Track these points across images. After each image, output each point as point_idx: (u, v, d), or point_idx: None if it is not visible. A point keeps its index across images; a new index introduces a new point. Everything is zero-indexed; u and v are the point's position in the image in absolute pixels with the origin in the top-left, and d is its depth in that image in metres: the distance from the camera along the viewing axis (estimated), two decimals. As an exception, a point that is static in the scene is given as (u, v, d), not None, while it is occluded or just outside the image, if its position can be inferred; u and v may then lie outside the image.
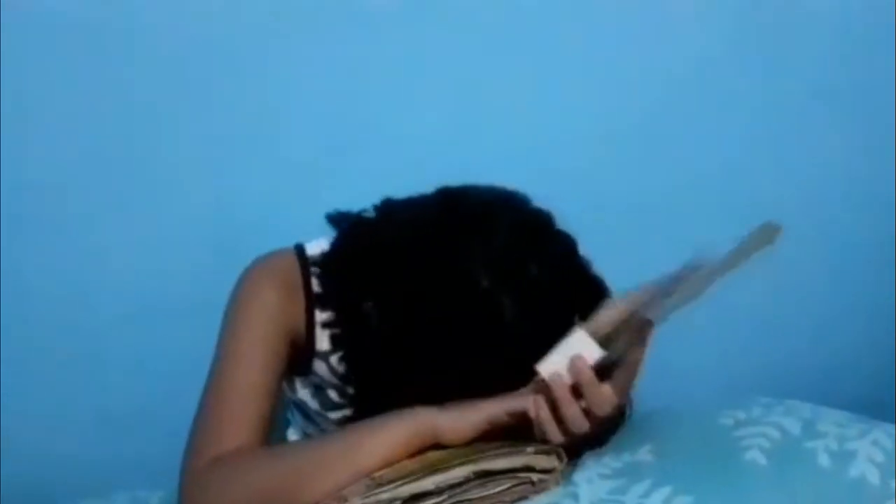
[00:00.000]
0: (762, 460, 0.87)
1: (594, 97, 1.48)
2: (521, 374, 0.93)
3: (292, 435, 1.24)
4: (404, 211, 1.04)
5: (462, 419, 0.95)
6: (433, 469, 0.90)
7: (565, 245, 1.00)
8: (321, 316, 1.07)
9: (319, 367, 1.10)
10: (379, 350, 0.98)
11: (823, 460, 0.86)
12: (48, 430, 1.41)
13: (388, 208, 1.06)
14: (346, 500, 0.90)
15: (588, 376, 0.90)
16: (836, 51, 1.54)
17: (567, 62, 1.46)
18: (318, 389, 1.13)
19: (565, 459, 0.94)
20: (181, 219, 1.39)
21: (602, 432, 0.99)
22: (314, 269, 1.08)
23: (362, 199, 1.09)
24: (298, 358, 1.09)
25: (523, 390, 0.94)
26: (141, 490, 1.19)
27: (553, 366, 0.91)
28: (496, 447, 0.94)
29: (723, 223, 1.53)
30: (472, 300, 0.92)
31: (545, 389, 0.92)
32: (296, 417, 1.21)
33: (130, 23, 1.32)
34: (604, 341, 0.91)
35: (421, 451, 0.96)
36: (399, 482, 0.90)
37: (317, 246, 1.10)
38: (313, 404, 1.14)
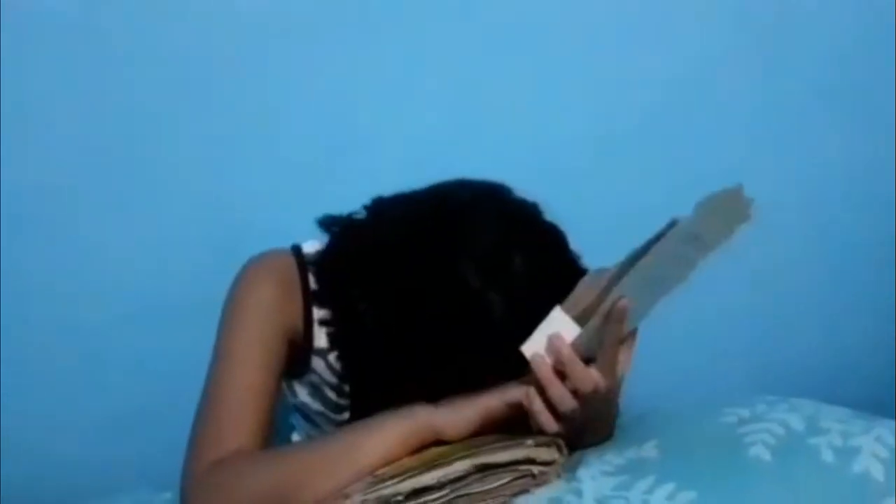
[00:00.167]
0: (766, 456, 0.87)
1: (593, 98, 1.48)
2: (514, 367, 0.92)
3: (297, 439, 1.24)
4: (393, 209, 1.04)
5: (459, 414, 0.95)
6: (433, 464, 0.91)
7: (552, 236, 1.00)
8: (319, 313, 1.07)
9: (317, 364, 1.10)
10: (374, 348, 0.98)
11: (827, 456, 0.87)
12: (48, 431, 1.40)
13: (378, 207, 1.06)
14: (348, 497, 0.90)
15: (566, 353, 0.89)
16: (836, 51, 1.54)
17: (566, 63, 1.46)
18: (317, 389, 1.13)
19: (566, 452, 0.94)
20: (181, 219, 1.38)
21: (598, 422, 0.99)
22: (311, 267, 1.08)
23: (362, 199, 1.09)
24: (296, 355, 1.09)
25: (517, 381, 0.94)
26: (144, 492, 1.18)
27: (534, 346, 0.91)
28: (496, 440, 0.94)
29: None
30: (461, 298, 0.92)
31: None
32: (300, 422, 1.20)
33: (131, 23, 1.32)
34: (581, 318, 0.91)
35: (420, 448, 0.96)
36: (400, 478, 0.90)
37: (312, 246, 1.10)
38: (314, 405, 1.14)
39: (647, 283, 0.88)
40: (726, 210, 0.85)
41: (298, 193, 1.36)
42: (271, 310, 1.06)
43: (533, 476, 0.91)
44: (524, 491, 0.90)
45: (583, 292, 0.92)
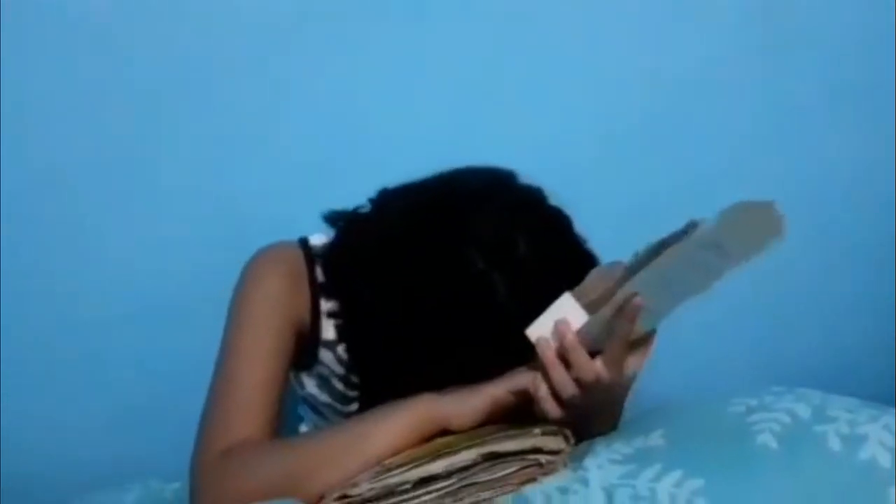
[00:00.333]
0: (773, 444, 0.87)
1: (597, 95, 1.48)
2: (519, 352, 0.93)
3: (304, 430, 1.24)
4: (398, 199, 1.05)
5: (465, 404, 0.96)
6: (440, 453, 0.91)
7: (557, 221, 1.00)
8: (326, 305, 1.08)
9: (325, 356, 1.10)
10: (381, 339, 0.98)
11: (834, 444, 0.87)
12: (51, 430, 1.40)
13: (383, 199, 1.06)
14: (355, 486, 0.90)
15: (570, 340, 0.90)
16: (837, 51, 1.54)
17: (571, 60, 1.46)
18: (324, 381, 1.13)
19: (572, 441, 0.94)
20: (183, 216, 1.38)
21: (602, 412, 0.99)
22: (318, 259, 1.09)
23: (365, 195, 1.10)
24: (304, 347, 1.09)
25: (523, 367, 0.95)
26: (154, 481, 1.18)
27: (540, 330, 0.91)
28: (502, 430, 0.94)
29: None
30: (466, 281, 0.93)
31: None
32: (307, 413, 1.20)
33: (134, 21, 1.32)
34: (591, 308, 0.91)
35: (427, 438, 0.96)
36: (407, 467, 0.90)
37: (319, 239, 1.11)
38: (322, 397, 1.14)
39: (664, 285, 0.88)
40: (755, 224, 0.83)
41: (302, 190, 1.36)
42: (279, 301, 1.06)
43: (540, 465, 0.90)
44: (531, 480, 0.90)
45: (594, 282, 0.92)
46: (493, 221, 0.95)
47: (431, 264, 0.95)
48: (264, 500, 0.92)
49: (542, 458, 0.91)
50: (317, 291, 1.08)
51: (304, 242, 1.11)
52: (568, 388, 0.91)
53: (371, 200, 1.08)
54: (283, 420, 1.07)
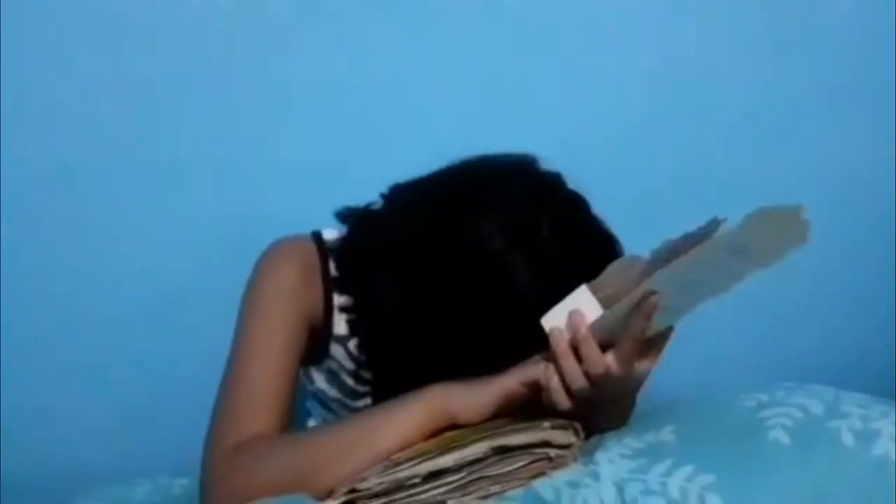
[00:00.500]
0: (785, 439, 0.87)
1: (598, 95, 1.48)
2: (535, 339, 0.92)
3: (313, 425, 1.23)
4: (412, 190, 1.05)
5: (475, 398, 0.95)
6: (450, 447, 0.90)
7: (576, 205, 1.00)
8: (339, 300, 1.07)
9: (336, 350, 1.10)
10: (396, 329, 0.98)
11: (847, 439, 0.86)
12: (60, 427, 1.39)
13: (396, 193, 1.06)
14: (365, 480, 0.90)
15: (583, 332, 0.89)
16: (839, 50, 1.55)
17: (572, 60, 1.46)
18: (334, 376, 1.12)
19: (582, 435, 0.94)
20: (194, 212, 1.38)
21: (612, 406, 0.99)
22: (331, 254, 1.08)
23: (376, 191, 1.10)
24: (316, 341, 1.09)
25: (536, 357, 0.94)
26: (163, 476, 1.18)
27: (554, 320, 0.91)
28: (512, 423, 0.94)
29: (734, 221, 1.55)
30: (486, 263, 0.93)
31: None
32: (316, 408, 1.20)
33: (147, 18, 1.32)
34: (606, 301, 0.91)
35: (436, 432, 0.96)
36: (416, 461, 0.90)
37: (332, 233, 1.10)
38: (331, 392, 1.14)
39: (684, 284, 0.87)
40: (781, 229, 0.81)
41: (308, 188, 1.36)
42: (292, 295, 1.06)
43: (550, 459, 0.90)
44: (541, 474, 0.90)
45: (613, 275, 0.92)
46: (514, 202, 0.95)
47: (450, 247, 0.94)
48: (274, 494, 0.92)
49: (552, 452, 0.90)
50: (330, 286, 1.08)
51: (317, 236, 1.11)
52: (578, 380, 0.91)
53: (383, 196, 1.07)
54: (293, 415, 1.06)
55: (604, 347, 0.91)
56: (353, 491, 0.89)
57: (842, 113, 1.58)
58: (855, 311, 1.64)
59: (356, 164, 1.38)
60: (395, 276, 0.98)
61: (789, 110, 1.57)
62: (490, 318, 0.93)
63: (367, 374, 1.10)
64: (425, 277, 0.96)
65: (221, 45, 1.35)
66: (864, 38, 1.56)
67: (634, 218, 1.29)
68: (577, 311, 0.90)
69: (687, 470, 0.86)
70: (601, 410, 0.97)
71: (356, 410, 1.13)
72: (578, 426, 0.94)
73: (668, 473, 0.86)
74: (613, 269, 0.93)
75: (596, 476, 0.88)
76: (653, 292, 0.88)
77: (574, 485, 0.87)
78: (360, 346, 1.07)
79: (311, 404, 1.21)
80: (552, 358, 0.91)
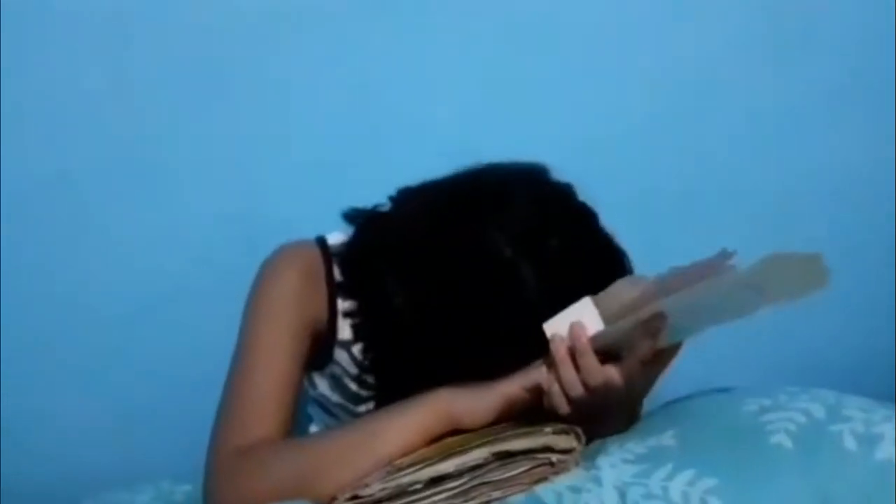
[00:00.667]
0: (788, 444, 0.86)
1: (599, 96, 1.49)
2: (539, 348, 0.93)
3: (314, 430, 1.24)
4: (421, 195, 1.05)
5: (478, 401, 0.95)
6: (452, 452, 0.90)
7: (586, 217, 1.00)
8: (343, 305, 1.07)
9: (340, 356, 1.10)
10: (401, 331, 0.98)
11: (850, 443, 0.86)
12: (62, 431, 1.41)
13: (405, 194, 1.06)
14: (367, 486, 0.90)
15: (582, 343, 0.90)
16: (841, 51, 1.54)
17: (574, 61, 1.47)
18: (337, 381, 1.13)
19: (584, 440, 0.94)
20: (198, 212, 1.39)
21: (611, 413, 0.98)
22: (336, 259, 1.09)
23: (380, 192, 1.10)
24: (319, 347, 1.09)
25: (536, 363, 0.94)
26: (165, 482, 1.18)
27: (555, 327, 0.91)
28: (514, 428, 0.94)
29: (735, 221, 1.54)
30: (493, 270, 0.93)
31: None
32: (318, 413, 1.20)
33: (152, 17, 1.33)
34: (608, 317, 0.91)
35: (439, 437, 0.96)
36: (418, 466, 0.90)
37: (337, 237, 1.11)
38: (334, 397, 1.14)
39: (695, 310, 0.88)
40: (799, 273, 0.81)
41: (316, 186, 1.38)
42: (296, 301, 1.06)
43: (551, 464, 0.90)
44: (543, 479, 0.90)
45: (616, 292, 0.92)
46: (524, 211, 0.96)
47: (458, 253, 0.95)
48: (277, 500, 0.92)
49: (554, 457, 0.90)
50: (334, 291, 1.08)
51: (321, 241, 1.11)
52: (575, 388, 0.91)
53: (391, 198, 1.08)
54: (295, 420, 1.07)
55: (605, 357, 0.91)
56: (355, 497, 0.89)
57: (844, 113, 1.58)
58: (855, 313, 1.63)
59: (359, 165, 1.39)
60: (402, 278, 0.99)
61: (790, 111, 1.57)
62: (495, 324, 0.93)
63: (370, 379, 1.10)
64: (432, 281, 0.97)
65: (222, 46, 1.37)
66: (866, 39, 1.56)
67: (635, 218, 1.30)
68: (578, 322, 0.91)
69: (689, 474, 0.85)
70: (602, 417, 0.97)
71: (358, 415, 1.13)
72: (580, 431, 0.94)
73: (670, 478, 0.85)
74: (618, 286, 0.93)
75: (598, 480, 0.87)
76: (662, 314, 0.88)
77: (576, 489, 0.87)
78: (364, 350, 1.07)
79: (312, 409, 1.21)
80: (552, 364, 0.92)
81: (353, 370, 1.10)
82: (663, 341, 0.91)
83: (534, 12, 1.44)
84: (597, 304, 0.92)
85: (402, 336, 0.99)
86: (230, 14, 1.35)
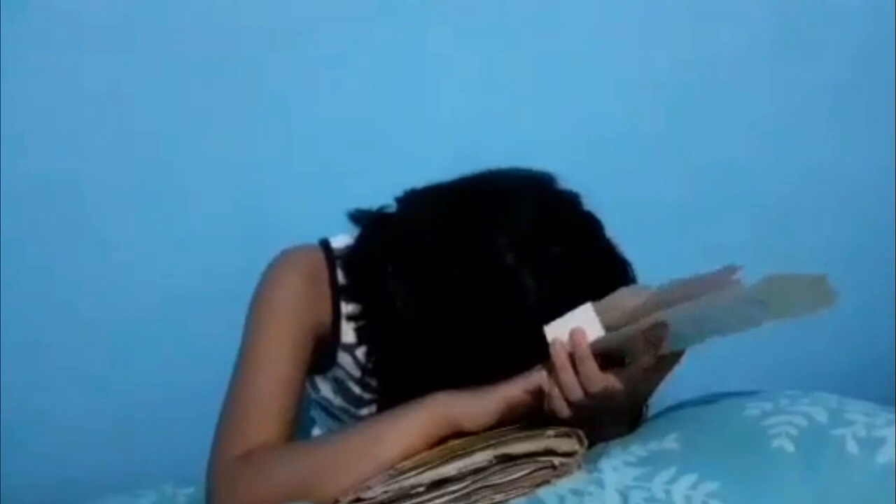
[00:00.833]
0: (790, 447, 0.86)
1: (605, 97, 1.50)
2: (540, 353, 0.93)
3: (317, 433, 1.24)
4: (427, 198, 1.05)
5: (479, 406, 0.96)
6: (454, 455, 0.90)
7: (589, 226, 1.00)
8: (347, 308, 1.08)
9: (344, 359, 1.10)
10: (404, 334, 0.98)
11: (851, 447, 0.86)
12: (64, 434, 1.41)
13: (411, 197, 1.07)
14: (369, 489, 0.90)
15: (582, 349, 0.90)
16: (848, 53, 1.55)
17: (584, 60, 1.48)
18: (340, 384, 1.13)
19: (586, 443, 0.94)
20: (203, 214, 1.40)
21: (615, 418, 0.99)
22: (339, 262, 1.09)
23: (387, 194, 1.10)
24: (323, 350, 1.09)
25: (538, 367, 0.94)
26: (167, 486, 1.18)
27: (556, 331, 0.92)
28: (516, 431, 0.94)
29: (736, 226, 1.55)
30: (496, 277, 0.93)
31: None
32: (320, 416, 1.20)
33: (155, 19, 1.33)
34: (608, 324, 0.91)
35: (442, 440, 0.96)
36: (420, 469, 0.90)
37: (341, 240, 1.11)
38: (336, 401, 1.14)
39: (698, 321, 0.88)
40: (805, 292, 0.82)
41: (320, 190, 1.38)
42: (299, 305, 1.06)
43: (554, 467, 0.90)
44: (545, 482, 0.90)
45: (617, 301, 0.93)
46: (527, 219, 0.96)
47: (461, 258, 0.95)
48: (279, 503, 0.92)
49: (556, 460, 0.90)
50: (337, 294, 1.08)
51: (325, 244, 1.11)
52: (575, 393, 0.91)
53: (398, 200, 1.08)
54: (298, 424, 1.07)
55: (606, 361, 0.91)
56: (357, 500, 0.90)
57: (844, 119, 1.59)
58: (856, 317, 1.62)
59: (362, 170, 1.39)
60: (404, 282, 0.99)
61: (792, 116, 1.58)
62: (496, 329, 0.94)
63: (373, 382, 1.10)
64: (434, 285, 0.97)
65: (224, 49, 1.37)
66: (873, 41, 1.57)
67: (640, 219, 1.30)
68: (579, 328, 0.91)
69: (691, 478, 0.86)
70: (603, 420, 0.97)
71: (360, 418, 1.13)
72: (582, 434, 0.94)
73: (673, 481, 0.86)
74: (620, 294, 0.93)
75: (600, 484, 0.88)
76: (663, 323, 0.88)
77: (578, 492, 0.87)
78: (367, 354, 1.07)
79: (315, 413, 1.21)
80: (552, 368, 0.92)
81: (357, 373, 1.11)
82: (665, 349, 0.91)
83: (536, 16, 1.44)
84: (598, 311, 0.92)
85: (404, 339, 0.99)
86: (233, 17, 1.35)
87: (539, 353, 0.93)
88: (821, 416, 0.90)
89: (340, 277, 1.08)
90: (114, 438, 1.41)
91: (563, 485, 0.89)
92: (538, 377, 0.94)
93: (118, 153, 1.37)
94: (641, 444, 0.93)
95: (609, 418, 0.98)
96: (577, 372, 0.91)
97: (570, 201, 1.01)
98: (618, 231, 1.03)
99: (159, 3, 1.34)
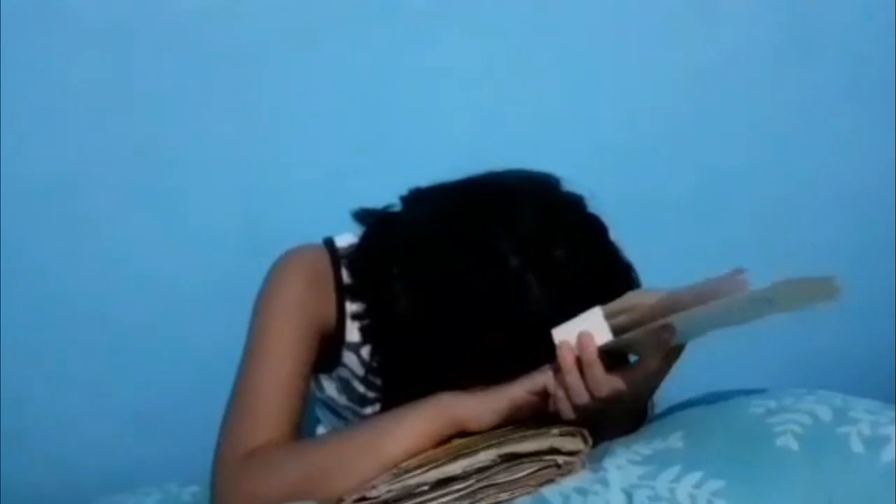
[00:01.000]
0: (794, 445, 0.86)
1: (614, 95, 1.50)
2: (544, 355, 0.93)
3: (321, 432, 1.24)
4: (432, 198, 1.05)
5: (484, 405, 0.96)
6: (458, 454, 0.91)
7: (594, 229, 1.00)
8: (351, 307, 1.08)
9: (349, 358, 1.10)
10: (407, 335, 0.98)
11: (856, 445, 0.85)
12: (68, 433, 1.41)
13: (416, 196, 1.07)
14: (374, 488, 0.90)
15: (590, 354, 0.90)
16: (859, 49, 1.55)
17: (592, 61, 1.48)
18: (345, 383, 1.13)
19: (590, 442, 0.94)
20: (208, 214, 1.39)
21: (619, 417, 0.99)
22: (344, 261, 1.09)
23: (388, 196, 1.10)
24: (328, 349, 1.09)
25: (543, 367, 0.94)
26: (172, 485, 1.18)
27: (563, 335, 0.91)
28: (520, 430, 0.94)
29: (738, 227, 1.55)
30: (500, 279, 0.93)
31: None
32: (325, 415, 1.20)
33: (159, 22, 1.33)
34: (617, 327, 0.91)
35: (446, 439, 0.96)
36: (425, 468, 0.90)
37: (345, 239, 1.11)
38: (341, 400, 1.14)
39: (706, 323, 0.89)
40: (812, 291, 0.83)
41: (323, 191, 1.37)
42: (304, 304, 1.06)
43: (558, 466, 0.90)
44: (549, 481, 0.90)
45: (627, 304, 0.92)
46: (531, 221, 0.96)
47: (464, 259, 0.95)
48: (284, 502, 0.92)
49: (560, 459, 0.90)
50: (342, 293, 1.08)
51: (329, 243, 1.11)
52: (581, 396, 0.91)
53: (402, 199, 1.08)
54: (303, 422, 1.07)
55: (610, 359, 0.91)
56: (362, 499, 0.90)
57: (845, 120, 1.58)
58: (856, 316, 1.63)
59: (366, 171, 1.39)
60: (409, 282, 0.99)
61: (794, 117, 1.57)
62: (499, 331, 0.93)
63: (378, 381, 1.11)
64: (438, 286, 0.97)
65: (226, 51, 1.36)
66: (886, 36, 1.56)
67: (641, 220, 1.30)
68: (587, 332, 0.90)
69: (695, 476, 0.85)
70: (608, 419, 0.97)
71: (365, 417, 1.13)
72: (586, 433, 0.94)
73: (677, 480, 0.86)
74: (629, 298, 0.93)
75: (605, 482, 0.88)
76: (671, 327, 0.88)
77: (583, 491, 0.87)
78: (372, 352, 1.07)
79: (320, 412, 1.21)
80: (558, 370, 0.92)
81: (361, 372, 1.11)
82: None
83: (538, 18, 1.44)
84: (607, 315, 0.92)
85: (408, 339, 0.99)
86: (235, 18, 1.35)
87: (543, 354, 0.92)
88: (825, 415, 0.90)
89: (345, 277, 1.08)
90: (115, 439, 1.41)
91: (568, 483, 0.89)
92: (543, 378, 0.93)
93: (119, 154, 1.36)
94: (646, 442, 0.93)
95: (613, 417, 0.98)
96: (583, 375, 0.91)
97: (575, 204, 1.01)
98: (618, 231, 1.03)
99: (160, 3, 1.34)
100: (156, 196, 1.38)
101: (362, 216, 1.10)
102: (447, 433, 0.96)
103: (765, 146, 1.57)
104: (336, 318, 1.09)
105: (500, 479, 0.89)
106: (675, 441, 0.92)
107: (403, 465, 0.93)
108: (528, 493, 0.89)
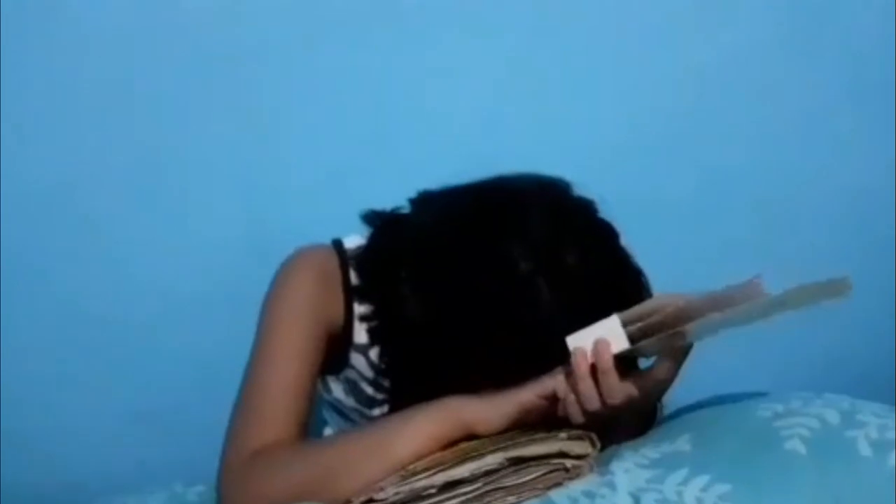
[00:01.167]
0: (802, 449, 0.87)
1: (618, 94, 1.49)
2: (553, 358, 0.93)
3: (328, 433, 1.24)
4: (441, 201, 1.05)
5: (492, 409, 0.95)
6: (466, 457, 0.91)
7: (604, 234, 1.00)
8: (359, 309, 1.08)
9: (357, 360, 1.10)
10: (416, 338, 0.98)
11: (864, 449, 0.86)
12: (74, 433, 1.40)
13: (425, 199, 1.07)
14: (381, 490, 0.90)
15: (605, 362, 0.90)
16: (862, 49, 1.55)
17: (592, 61, 1.47)
18: (352, 385, 1.13)
19: (598, 445, 0.94)
20: (213, 215, 1.39)
21: (628, 422, 0.99)
22: (352, 262, 1.09)
23: (395, 197, 1.10)
24: (335, 351, 1.09)
25: (553, 371, 0.94)
26: (178, 485, 1.18)
27: (579, 341, 0.91)
28: (528, 434, 0.94)
29: (741, 224, 1.55)
30: (511, 284, 0.93)
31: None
32: (332, 417, 1.20)
33: (161, 22, 1.33)
34: (636, 336, 0.91)
35: (453, 442, 0.96)
36: (432, 471, 0.90)
37: (353, 241, 1.11)
38: (348, 401, 1.14)
39: (720, 325, 0.89)
40: (823, 291, 0.83)
41: (328, 193, 1.37)
42: (312, 305, 1.06)
43: (566, 469, 0.90)
44: (557, 484, 0.90)
45: (645, 311, 0.92)
46: (542, 226, 0.96)
47: (474, 263, 0.95)
48: (291, 503, 0.92)
49: (568, 463, 0.90)
50: (350, 294, 1.08)
51: (338, 244, 1.11)
52: (593, 403, 0.91)
53: (411, 201, 1.08)
54: (310, 423, 1.07)
55: (618, 364, 0.91)
56: (370, 500, 0.90)
57: (845, 121, 1.58)
58: (856, 315, 1.63)
59: (371, 172, 1.39)
60: (417, 285, 0.99)
61: (794, 118, 1.57)
62: (508, 335, 0.93)
63: (385, 383, 1.11)
64: (447, 289, 0.97)
65: (228, 52, 1.36)
66: (868, 47, 1.56)
67: (641, 220, 1.30)
68: (603, 340, 0.90)
69: (703, 480, 0.85)
70: (616, 423, 0.97)
71: (373, 419, 1.13)
72: (594, 436, 0.94)
73: (685, 483, 0.86)
74: (647, 304, 0.93)
75: (612, 486, 0.88)
76: (682, 334, 0.88)
77: (590, 495, 0.87)
78: (380, 354, 1.07)
79: (327, 413, 1.21)
80: (570, 375, 0.92)
81: (369, 374, 1.11)
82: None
83: (540, 20, 1.44)
84: (623, 322, 0.92)
85: (416, 342, 0.99)
86: (236, 19, 1.35)
87: (552, 358, 0.92)
88: (833, 418, 0.90)
89: (353, 278, 1.08)
90: (116, 440, 1.41)
91: (576, 487, 0.89)
92: (553, 382, 0.93)
93: (119, 154, 1.36)
94: (653, 445, 0.93)
95: (621, 421, 0.98)
96: (597, 382, 0.90)
97: (586, 209, 1.01)
98: (626, 232, 1.03)
99: (160, 4, 1.33)
100: (156, 197, 1.38)
101: (371, 218, 1.10)
102: (455, 436, 0.95)
103: (765, 146, 1.57)
104: (344, 319, 1.08)
105: (508, 482, 0.89)
106: (683, 444, 0.92)
107: (411, 467, 0.93)
108: (535, 496, 0.89)
